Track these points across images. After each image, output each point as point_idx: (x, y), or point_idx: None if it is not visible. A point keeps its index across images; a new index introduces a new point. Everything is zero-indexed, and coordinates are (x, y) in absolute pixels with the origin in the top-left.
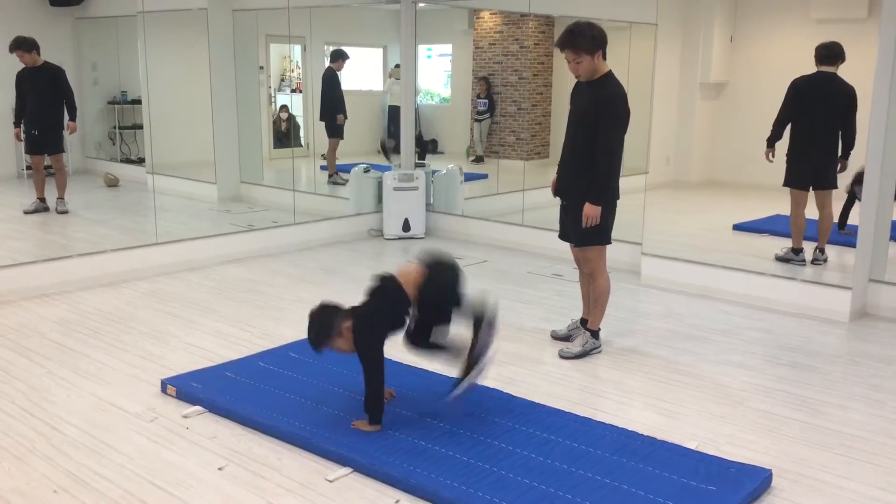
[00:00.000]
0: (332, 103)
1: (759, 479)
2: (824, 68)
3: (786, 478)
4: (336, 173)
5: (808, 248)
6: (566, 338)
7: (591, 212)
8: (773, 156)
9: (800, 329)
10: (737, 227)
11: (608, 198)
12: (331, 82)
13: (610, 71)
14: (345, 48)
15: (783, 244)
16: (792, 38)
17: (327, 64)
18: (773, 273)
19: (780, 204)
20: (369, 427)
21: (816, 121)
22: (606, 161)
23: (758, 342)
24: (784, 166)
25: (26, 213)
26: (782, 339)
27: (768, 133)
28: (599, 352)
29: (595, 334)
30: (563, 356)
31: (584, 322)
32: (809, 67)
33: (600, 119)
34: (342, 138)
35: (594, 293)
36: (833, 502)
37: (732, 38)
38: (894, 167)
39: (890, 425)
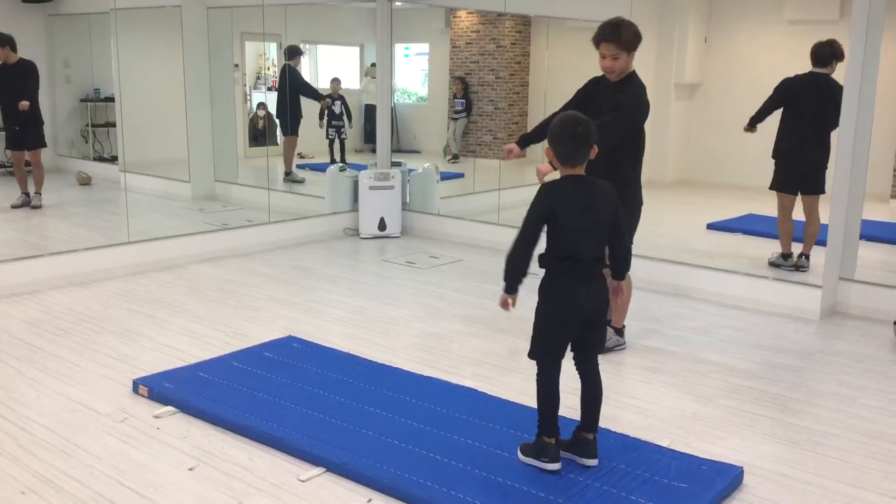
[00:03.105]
0: (292, 101)
1: (731, 477)
2: (817, 70)
3: (756, 475)
4: (292, 171)
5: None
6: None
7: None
8: (752, 131)
9: (771, 327)
10: (710, 227)
11: (637, 202)
12: (289, 79)
13: (634, 70)
14: (321, 46)
15: (756, 243)
16: (765, 39)
17: (310, 65)
18: (745, 272)
19: (753, 203)
20: (503, 296)
21: (806, 124)
22: (607, 132)
23: (730, 340)
24: (763, 170)
25: (13, 207)
26: (754, 336)
27: (742, 136)
28: (624, 349)
29: (620, 332)
30: None
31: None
32: (783, 68)
33: (616, 111)
34: (297, 136)
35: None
36: (803, 498)
37: (707, 39)
38: (864, 166)
39: (859, 422)
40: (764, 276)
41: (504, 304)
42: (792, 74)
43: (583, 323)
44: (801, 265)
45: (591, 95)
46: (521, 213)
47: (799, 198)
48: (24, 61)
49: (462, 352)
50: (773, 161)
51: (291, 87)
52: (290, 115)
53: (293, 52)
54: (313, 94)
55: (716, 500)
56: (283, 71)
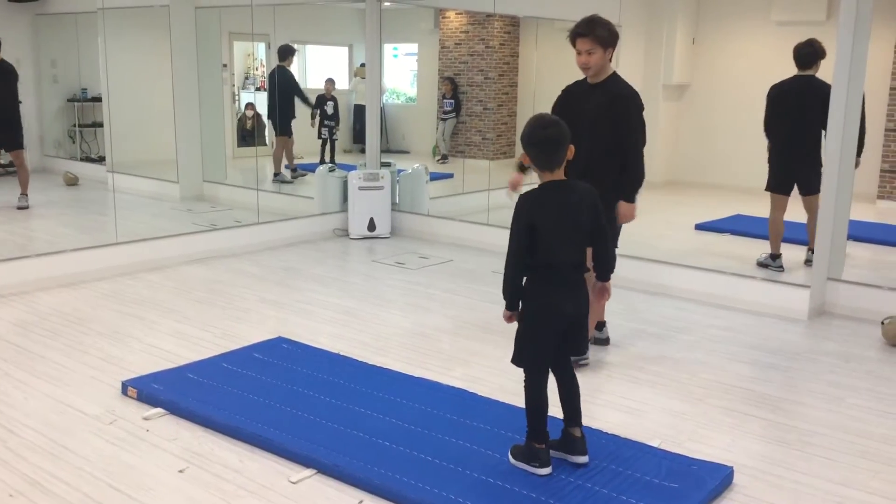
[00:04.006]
0: (285, 102)
1: (721, 476)
2: (801, 72)
3: (746, 474)
4: (281, 171)
5: (791, 252)
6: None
7: (627, 210)
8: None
9: (760, 327)
10: (699, 227)
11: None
12: (283, 80)
13: (616, 72)
14: (310, 46)
15: (744, 243)
16: (752, 40)
17: (297, 63)
18: (733, 272)
19: (741, 204)
20: (505, 313)
21: (795, 126)
22: (638, 159)
23: (718, 340)
24: (751, 171)
25: None
26: (743, 336)
27: (730, 137)
28: (607, 341)
29: (600, 326)
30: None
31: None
32: (769, 69)
33: (623, 120)
34: (291, 136)
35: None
36: (793, 498)
37: (695, 41)
38: (851, 167)
39: (847, 421)
40: (752, 277)
41: (508, 320)
42: (777, 80)
43: (565, 328)
44: (809, 260)
45: (569, 105)
46: (510, 214)
47: (799, 199)
48: (4, 63)
49: (452, 352)
50: (768, 163)
51: (285, 87)
52: (282, 116)
53: (286, 52)
54: (304, 99)
55: (706, 499)
56: (273, 71)
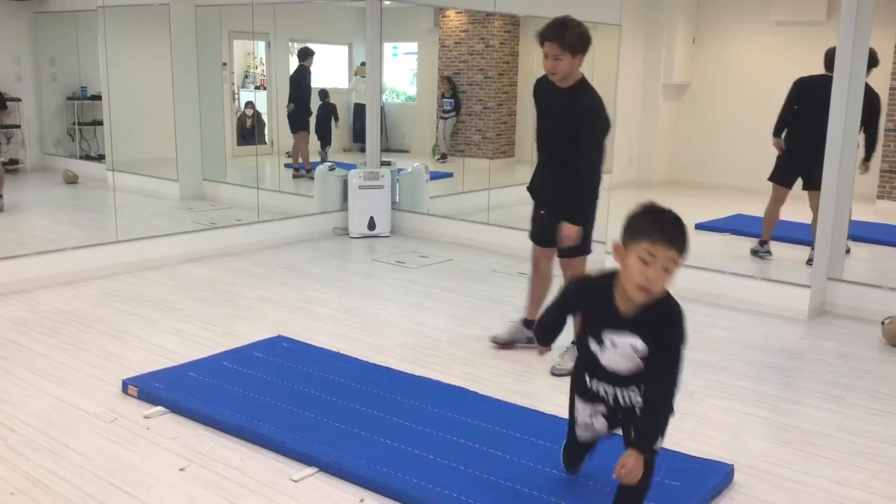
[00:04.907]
0: (305, 99)
1: (722, 475)
2: (829, 73)
3: (747, 473)
4: (297, 167)
5: (793, 252)
6: (509, 343)
7: (570, 232)
8: (783, 147)
9: (760, 326)
10: (699, 227)
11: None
12: (306, 79)
13: (584, 76)
14: (310, 45)
15: (744, 243)
16: (752, 40)
17: (296, 63)
18: (733, 271)
19: (741, 204)
20: (638, 463)
21: (809, 122)
22: (587, 180)
23: (719, 339)
24: (751, 170)
25: None
26: (743, 336)
27: (730, 136)
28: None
29: (529, 324)
30: (556, 373)
31: (528, 323)
32: (769, 68)
33: (584, 135)
34: (308, 132)
35: None
36: (793, 496)
37: (695, 40)
38: (852, 166)
39: (847, 421)
40: (752, 276)
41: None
42: (774, 79)
43: None
44: (811, 259)
45: (543, 100)
46: (510, 213)
47: (806, 197)
48: None
49: (451, 350)
50: (777, 153)
51: (307, 86)
52: (303, 113)
53: (306, 53)
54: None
55: (707, 497)
56: (296, 71)
